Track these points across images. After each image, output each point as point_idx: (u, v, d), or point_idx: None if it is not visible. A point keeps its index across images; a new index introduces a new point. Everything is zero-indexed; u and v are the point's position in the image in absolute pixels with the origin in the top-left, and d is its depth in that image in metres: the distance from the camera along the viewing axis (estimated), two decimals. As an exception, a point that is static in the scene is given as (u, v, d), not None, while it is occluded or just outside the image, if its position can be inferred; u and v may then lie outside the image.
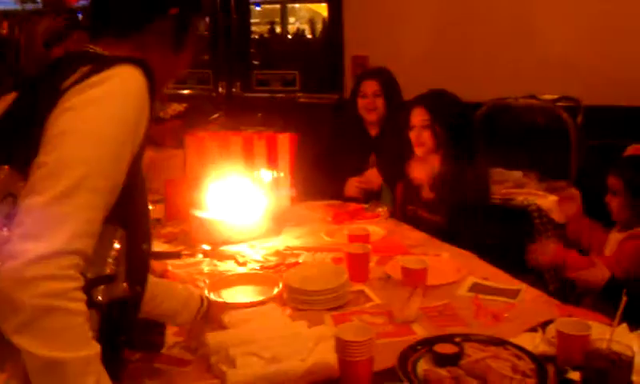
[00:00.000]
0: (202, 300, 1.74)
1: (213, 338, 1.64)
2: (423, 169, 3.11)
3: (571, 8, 4.10)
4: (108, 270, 1.22)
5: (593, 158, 3.69)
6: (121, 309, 1.26)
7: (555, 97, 4.02)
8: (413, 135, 2.90)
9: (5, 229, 1.12)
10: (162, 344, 1.59)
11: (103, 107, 1.17)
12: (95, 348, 1.12)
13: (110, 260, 1.22)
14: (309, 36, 7.85)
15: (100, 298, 1.20)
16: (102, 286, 1.21)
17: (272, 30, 8.35)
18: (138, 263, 1.31)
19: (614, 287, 2.15)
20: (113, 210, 1.19)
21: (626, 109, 3.85)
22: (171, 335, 1.74)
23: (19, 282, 1.04)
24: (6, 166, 1.18)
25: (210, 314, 1.75)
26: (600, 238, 2.52)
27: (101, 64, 1.20)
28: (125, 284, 1.26)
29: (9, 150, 1.20)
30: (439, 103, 2.90)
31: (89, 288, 1.14)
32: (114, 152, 1.17)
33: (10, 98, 1.30)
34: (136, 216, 1.31)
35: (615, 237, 2.45)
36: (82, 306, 1.10)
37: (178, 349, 1.70)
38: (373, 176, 3.33)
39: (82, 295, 1.10)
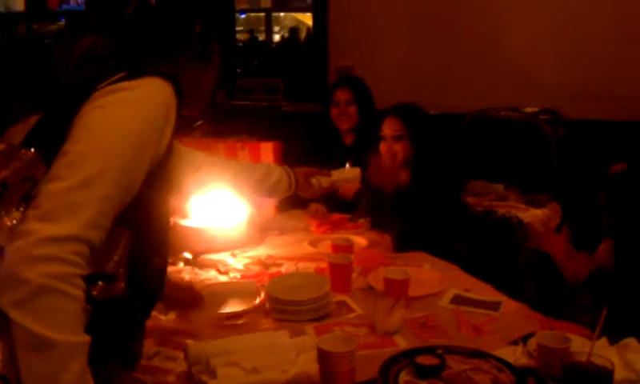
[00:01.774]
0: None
1: (193, 347, 1.62)
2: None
3: (553, 23, 4.15)
4: (108, 269, 1.26)
5: (575, 172, 3.73)
6: (115, 310, 1.29)
7: (537, 110, 4.07)
8: (384, 146, 2.84)
9: (20, 209, 1.18)
10: (140, 354, 1.57)
11: (129, 109, 1.25)
12: (86, 338, 1.15)
13: (112, 259, 1.26)
14: (293, 45, 7.88)
15: (95, 293, 1.23)
16: (100, 283, 1.24)
17: (256, 39, 8.36)
18: (146, 275, 1.36)
19: (600, 278, 2.17)
20: (125, 213, 1.24)
21: (607, 123, 3.90)
22: (151, 344, 1.73)
23: (26, 259, 1.09)
24: (32, 149, 1.23)
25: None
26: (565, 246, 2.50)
27: (135, 73, 1.29)
28: (122, 285, 1.28)
29: (42, 138, 1.27)
30: (413, 115, 2.85)
31: (87, 282, 1.17)
32: (135, 152, 1.24)
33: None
34: (149, 227, 1.35)
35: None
36: (80, 294, 1.14)
37: (158, 359, 1.68)
38: (344, 188, 3.30)
39: (82, 283, 1.14)
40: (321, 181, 2.40)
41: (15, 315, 1.09)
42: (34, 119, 1.37)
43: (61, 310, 1.11)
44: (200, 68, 1.51)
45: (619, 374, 1.48)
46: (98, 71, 1.33)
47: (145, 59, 1.41)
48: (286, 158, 3.27)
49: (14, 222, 1.17)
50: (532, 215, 3.38)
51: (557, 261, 2.38)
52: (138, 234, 1.31)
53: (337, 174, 2.53)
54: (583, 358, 1.43)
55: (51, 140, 1.24)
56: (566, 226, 2.50)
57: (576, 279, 2.31)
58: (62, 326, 1.11)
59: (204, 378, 1.52)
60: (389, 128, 2.82)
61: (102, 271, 1.25)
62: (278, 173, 2.25)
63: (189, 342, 1.67)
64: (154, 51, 1.43)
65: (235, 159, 2.99)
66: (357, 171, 2.63)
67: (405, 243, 2.61)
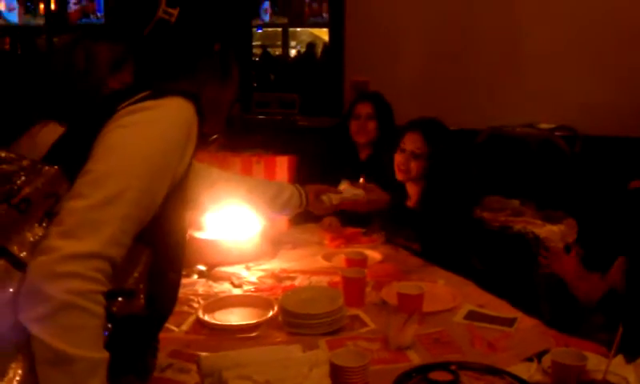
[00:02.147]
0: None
1: (206, 360, 1.62)
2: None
3: (570, 40, 4.14)
4: (128, 285, 1.27)
5: (591, 188, 3.71)
6: (133, 326, 1.29)
7: (553, 126, 4.05)
8: (400, 158, 2.84)
9: (43, 225, 1.18)
10: (153, 366, 1.58)
11: (151, 129, 1.26)
12: (105, 354, 1.16)
13: (132, 276, 1.27)
14: (309, 60, 7.91)
15: (115, 309, 1.24)
16: (120, 299, 1.25)
17: (269, 53, 8.40)
18: (162, 290, 1.36)
19: (613, 299, 2.15)
20: (145, 230, 1.25)
21: (625, 139, 3.87)
22: (164, 357, 1.73)
23: (49, 275, 1.10)
24: (56, 167, 1.24)
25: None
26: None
27: (158, 92, 1.30)
28: (142, 302, 1.29)
29: (64, 155, 1.29)
30: (436, 133, 2.85)
31: (107, 298, 1.18)
32: (156, 171, 1.25)
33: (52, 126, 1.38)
34: (167, 243, 1.36)
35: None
36: (101, 310, 1.15)
37: (171, 371, 1.68)
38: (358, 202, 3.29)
39: (103, 300, 1.15)
40: (331, 198, 2.44)
41: (37, 330, 1.10)
42: (35, 130, 1.38)
43: (82, 327, 1.12)
44: (219, 86, 1.52)
45: (636, 392, 1.46)
46: (122, 89, 1.35)
47: (164, 77, 1.42)
48: (300, 171, 3.28)
49: (37, 237, 1.18)
50: (548, 231, 3.35)
51: (568, 282, 2.36)
52: (157, 250, 1.32)
53: (348, 191, 2.54)
54: (599, 376, 1.41)
55: (72, 156, 1.25)
56: (576, 246, 2.48)
57: (589, 300, 2.29)
58: (82, 343, 1.12)
59: (216, 390, 1.52)
60: (411, 143, 2.82)
61: (122, 288, 1.26)
62: (290, 190, 2.32)
63: (201, 354, 1.66)
64: (173, 69, 1.45)
65: (250, 174, 3.00)
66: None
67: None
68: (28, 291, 1.11)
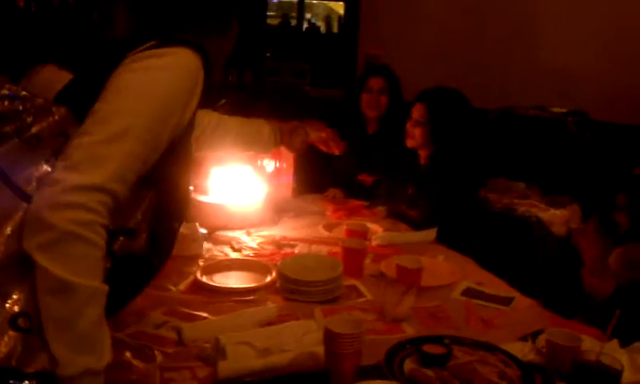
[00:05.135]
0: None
1: (188, 331, 1.63)
2: None
3: (587, 23, 4.09)
4: (131, 225, 1.31)
5: (599, 175, 3.68)
6: (132, 265, 1.33)
7: (564, 110, 4.01)
8: (407, 126, 2.95)
9: (50, 163, 1.22)
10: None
11: (158, 74, 1.31)
12: (104, 286, 1.20)
13: (135, 216, 1.31)
14: (323, 32, 7.88)
15: (116, 248, 1.28)
16: (122, 238, 1.29)
17: (288, 24, 8.37)
18: (163, 237, 1.41)
19: (619, 297, 2.15)
20: (150, 176, 1.30)
21: (635, 127, 3.83)
22: (159, 314, 1.74)
23: (53, 205, 1.13)
24: (64, 107, 1.28)
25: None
26: (598, 253, 2.48)
27: (166, 41, 1.35)
28: (143, 242, 1.33)
29: (73, 96, 1.32)
30: (439, 101, 2.91)
31: (109, 236, 1.21)
32: (160, 113, 1.29)
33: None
34: (171, 191, 1.40)
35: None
36: (101, 242, 1.18)
37: (164, 329, 1.68)
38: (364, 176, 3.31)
39: (104, 232, 1.19)
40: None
41: (39, 258, 1.13)
42: (35, 71, 1.40)
43: (83, 256, 1.15)
44: (220, 38, 1.57)
45: (628, 376, 1.46)
46: (129, 37, 1.38)
47: (171, 28, 1.48)
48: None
49: (42, 173, 1.21)
50: (552, 215, 3.34)
51: (584, 275, 2.36)
52: (160, 197, 1.36)
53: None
54: (592, 357, 1.40)
55: (82, 99, 1.28)
56: (610, 241, 2.46)
57: (596, 294, 2.29)
58: (82, 271, 1.15)
59: (213, 354, 1.52)
60: (416, 112, 2.92)
61: (124, 226, 1.30)
62: (267, 129, 2.36)
63: (183, 325, 1.67)
64: (180, 21, 1.51)
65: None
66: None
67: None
68: (32, 220, 1.15)
